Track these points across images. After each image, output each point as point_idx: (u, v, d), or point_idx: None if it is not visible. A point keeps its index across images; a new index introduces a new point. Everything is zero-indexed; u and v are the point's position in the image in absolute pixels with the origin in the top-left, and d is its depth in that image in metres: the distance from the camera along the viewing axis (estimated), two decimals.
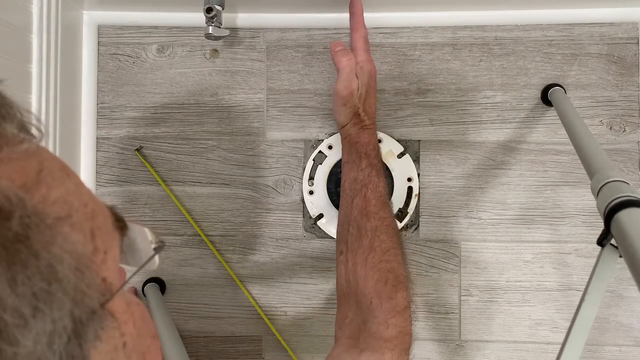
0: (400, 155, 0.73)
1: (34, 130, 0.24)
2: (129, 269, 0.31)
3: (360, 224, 0.56)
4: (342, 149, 0.62)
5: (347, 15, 0.73)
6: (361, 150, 0.59)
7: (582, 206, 0.72)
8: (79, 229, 0.23)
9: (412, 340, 0.54)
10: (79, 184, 0.25)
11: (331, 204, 0.73)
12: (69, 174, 0.25)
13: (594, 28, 0.72)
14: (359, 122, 0.60)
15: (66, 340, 0.21)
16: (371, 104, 0.62)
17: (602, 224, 0.42)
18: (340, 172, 0.72)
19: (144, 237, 0.31)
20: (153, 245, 0.32)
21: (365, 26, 0.62)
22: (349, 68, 0.59)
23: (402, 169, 0.72)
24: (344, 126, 0.61)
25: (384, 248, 0.55)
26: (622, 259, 0.39)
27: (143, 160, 0.75)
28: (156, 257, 0.32)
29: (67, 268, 0.21)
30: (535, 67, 0.72)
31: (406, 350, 0.53)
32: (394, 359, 0.51)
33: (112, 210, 0.27)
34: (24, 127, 0.24)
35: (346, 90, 0.59)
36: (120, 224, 0.28)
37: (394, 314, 0.53)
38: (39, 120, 0.25)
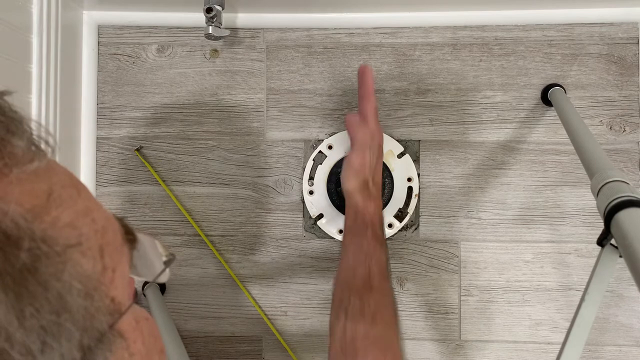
0: (400, 155, 0.73)
1: (43, 145, 0.24)
2: (139, 279, 0.30)
3: (363, 296, 0.56)
4: (347, 216, 0.62)
5: (346, 15, 0.73)
6: (367, 220, 0.59)
7: (582, 206, 0.72)
8: (88, 251, 0.23)
9: None
10: (88, 198, 0.24)
11: (331, 204, 0.73)
12: (78, 189, 0.24)
13: (594, 28, 0.72)
14: (366, 191, 0.60)
15: None
16: (379, 174, 0.63)
17: (602, 224, 0.42)
18: (340, 172, 0.72)
19: (154, 249, 0.31)
20: (164, 259, 0.31)
21: (374, 96, 0.63)
22: (364, 141, 0.60)
23: (402, 169, 0.72)
24: (351, 193, 0.61)
25: (385, 323, 0.55)
26: (622, 259, 0.39)
27: (143, 160, 0.75)
28: (167, 270, 0.31)
29: (76, 296, 0.21)
30: (535, 67, 0.72)
31: None
32: None
33: (121, 222, 0.27)
34: (33, 143, 0.23)
35: (360, 163, 0.60)
36: (130, 237, 0.27)
37: None
38: (48, 132, 0.24)
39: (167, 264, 0.31)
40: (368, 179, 0.60)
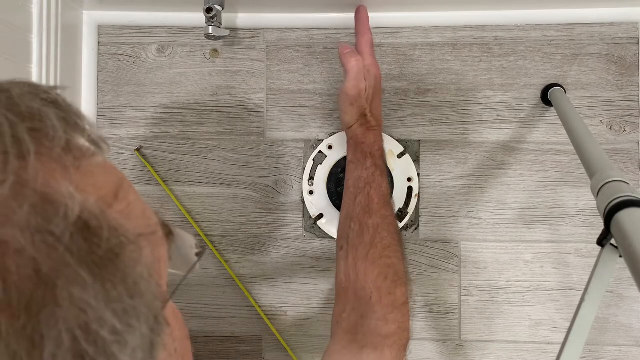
0: (400, 155, 0.73)
1: (101, 144, 0.24)
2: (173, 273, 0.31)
3: (363, 220, 0.57)
4: (347, 149, 0.62)
5: (346, 15, 0.73)
6: (366, 150, 0.60)
7: (582, 206, 0.72)
8: (150, 240, 0.24)
9: (410, 337, 0.55)
10: (136, 191, 0.26)
11: (331, 204, 0.73)
12: (129, 183, 0.25)
13: (594, 28, 0.72)
14: (365, 123, 0.61)
15: (149, 352, 0.21)
16: (377, 106, 0.63)
17: (602, 224, 0.42)
18: (341, 171, 0.73)
19: (187, 241, 0.32)
20: (195, 251, 0.32)
21: (370, 31, 0.63)
22: (358, 69, 0.60)
23: (402, 169, 0.72)
24: (350, 126, 0.62)
25: (385, 244, 0.56)
26: (622, 259, 0.39)
27: (143, 160, 0.75)
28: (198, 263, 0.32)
29: (146, 281, 0.22)
30: (535, 67, 0.72)
31: (404, 346, 0.54)
32: (393, 355, 0.52)
33: (157, 216, 0.28)
34: (91, 138, 0.24)
35: (355, 90, 0.59)
36: (167, 230, 0.28)
37: (392, 309, 0.53)
38: (99, 130, 0.25)
39: (199, 255, 0.32)
40: (365, 109, 0.60)
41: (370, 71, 0.61)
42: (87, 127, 0.24)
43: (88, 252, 0.20)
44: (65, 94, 0.25)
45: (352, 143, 0.62)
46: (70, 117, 0.23)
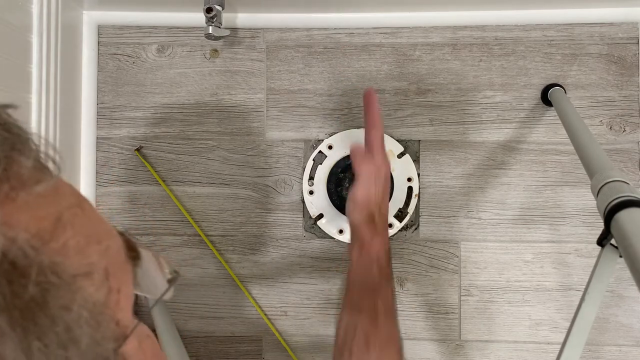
0: (400, 155, 0.73)
1: (50, 164, 0.22)
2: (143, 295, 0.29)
3: (369, 335, 0.54)
4: (353, 245, 0.59)
5: (346, 15, 0.73)
6: (373, 255, 0.57)
7: (582, 206, 0.72)
8: (96, 276, 0.21)
9: None
10: (92, 214, 0.23)
11: (331, 204, 0.73)
12: (82, 207, 0.23)
13: (594, 28, 0.72)
14: (372, 225, 0.58)
15: None
16: (385, 206, 0.60)
17: (602, 224, 0.42)
18: (341, 171, 0.73)
19: (158, 266, 0.30)
20: (168, 277, 0.30)
21: (382, 124, 0.60)
22: (369, 175, 0.57)
23: (402, 169, 0.72)
24: (357, 226, 0.59)
25: None
26: (622, 259, 0.39)
27: (143, 160, 0.75)
28: (171, 288, 0.30)
29: (84, 325, 0.20)
30: (535, 67, 0.72)
31: None
32: None
33: (123, 237, 0.26)
34: (40, 162, 0.22)
35: (364, 198, 0.57)
36: (133, 254, 0.26)
37: None
38: (54, 149, 0.22)
39: (171, 282, 0.30)
40: (374, 213, 0.58)
41: (381, 171, 0.58)
42: (34, 148, 0.21)
43: (10, 297, 0.17)
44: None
45: (358, 243, 0.59)
46: (17, 140, 0.21)
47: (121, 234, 0.26)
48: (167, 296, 0.30)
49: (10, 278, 0.18)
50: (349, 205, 0.59)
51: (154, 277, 0.30)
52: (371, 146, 0.59)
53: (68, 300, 0.19)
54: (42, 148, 0.22)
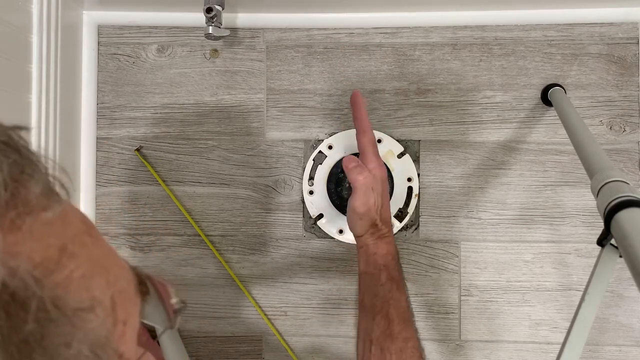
0: (400, 155, 0.73)
1: (58, 188, 0.21)
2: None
3: (384, 346, 0.53)
4: (359, 258, 0.59)
5: (346, 15, 0.73)
6: (380, 262, 0.57)
7: (582, 206, 0.72)
8: (99, 309, 0.21)
9: None
10: (101, 244, 0.23)
11: (331, 204, 0.73)
12: (92, 235, 0.22)
13: (594, 28, 0.72)
14: (376, 232, 0.58)
15: None
16: (386, 210, 0.59)
17: (602, 224, 0.42)
18: (341, 171, 0.73)
19: (166, 296, 0.29)
20: (175, 307, 0.29)
21: (371, 128, 0.58)
22: (366, 185, 0.56)
23: (402, 169, 0.72)
24: (360, 236, 0.58)
25: None
26: (622, 259, 0.39)
27: (143, 160, 0.75)
28: (178, 318, 0.30)
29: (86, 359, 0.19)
30: (535, 67, 0.72)
31: None
32: None
33: (135, 271, 0.25)
34: (49, 187, 0.21)
35: (364, 208, 0.56)
36: (143, 288, 0.25)
37: None
38: (64, 172, 0.22)
39: (177, 312, 0.29)
40: (376, 219, 0.57)
41: (376, 176, 0.57)
42: (43, 172, 0.20)
43: (8, 331, 0.17)
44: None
45: (364, 253, 0.58)
46: (27, 163, 0.20)
47: (132, 268, 0.25)
48: (174, 326, 0.29)
49: (9, 310, 0.17)
50: (349, 218, 0.58)
51: (161, 308, 0.29)
52: (363, 153, 0.58)
53: (68, 336, 0.19)
54: (52, 171, 0.21)
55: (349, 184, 0.71)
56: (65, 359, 0.18)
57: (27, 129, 0.21)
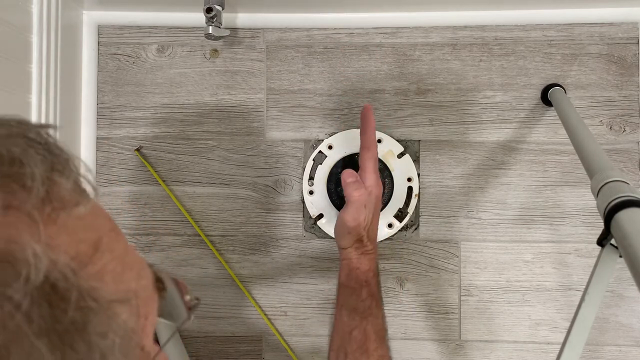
0: (400, 155, 0.73)
1: (87, 187, 0.22)
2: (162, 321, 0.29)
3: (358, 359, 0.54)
4: (340, 270, 0.59)
5: (346, 15, 0.73)
6: (361, 277, 0.57)
7: (582, 206, 0.72)
8: (132, 302, 0.22)
9: None
10: (125, 241, 0.23)
11: (331, 204, 0.73)
12: (117, 232, 0.23)
13: (594, 28, 0.72)
14: (360, 247, 0.58)
15: None
16: (374, 228, 0.60)
17: (602, 224, 0.42)
18: (340, 172, 0.72)
19: (180, 293, 0.30)
20: (189, 304, 0.30)
21: (376, 144, 0.59)
22: (360, 202, 0.56)
23: (402, 169, 0.72)
24: (344, 248, 0.59)
25: None
26: (622, 259, 0.39)
27: (143, 160, 0.75)
28: (192, 315, 0.30)
29: (117, 352, 0.20)
30: (535, 67, 0.72)
31: None
32: None
33: (151, 269, 0.26)
34: (78, 184, 0.21)
35: (354, 222, 0.57)
36: (159, 285, 0.26)
37: None
38: (90, 171, 0.22)
39: (192, 309, 0.30)
40: (362, 236, 0.58)
41: (372, 193, 0.58)
42: (74, 170, 0.21)
43: (51, 320, 0.17)
44: (60, 134, 0.23)
45: (346, 266, 0.59)
46: (57, 161, 0.21)
47: (150, 265, 0.26)
48: (188, 323, 0.30)
49: (51, 301, 0.17)
50: (337, 229, 0.59)
51: (176, 304, 0.30)
52: (362, 168, 0.58)
53: (105, 326, 0.19)
54: (80, 170, 0.22)
55: None
56: (102, 349, 0.19)
57: (54, 127, 0.22)
